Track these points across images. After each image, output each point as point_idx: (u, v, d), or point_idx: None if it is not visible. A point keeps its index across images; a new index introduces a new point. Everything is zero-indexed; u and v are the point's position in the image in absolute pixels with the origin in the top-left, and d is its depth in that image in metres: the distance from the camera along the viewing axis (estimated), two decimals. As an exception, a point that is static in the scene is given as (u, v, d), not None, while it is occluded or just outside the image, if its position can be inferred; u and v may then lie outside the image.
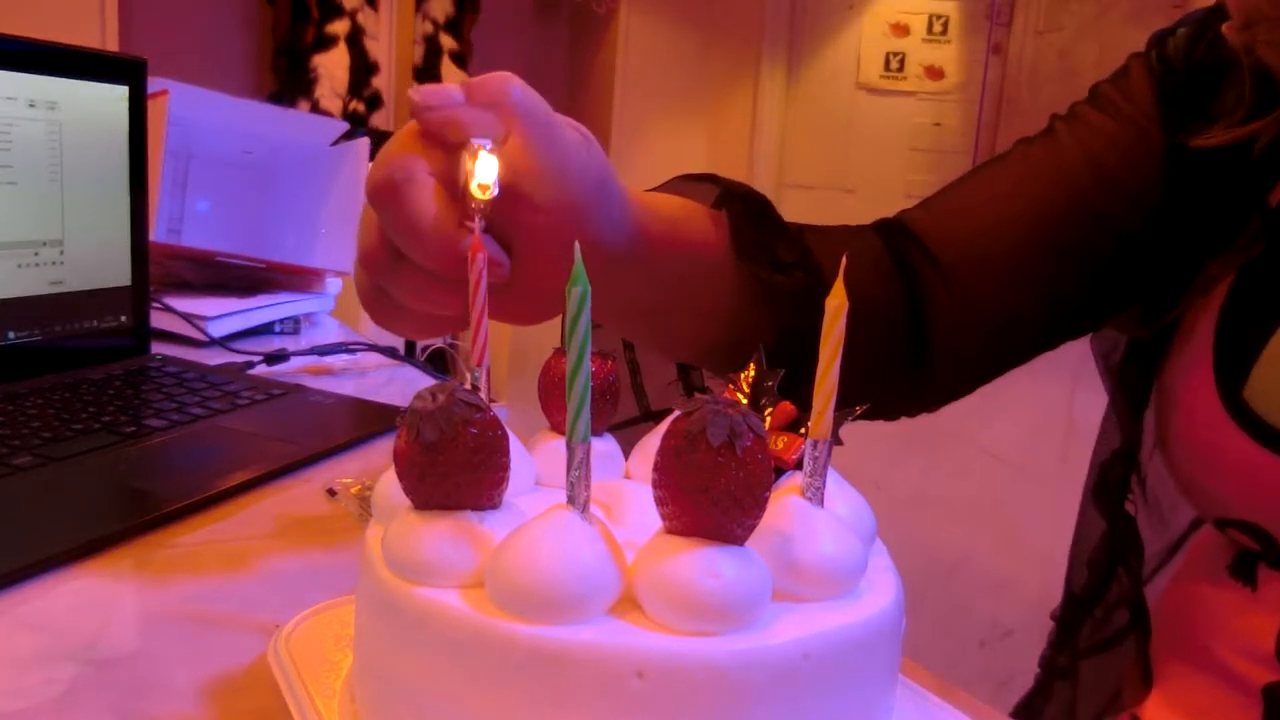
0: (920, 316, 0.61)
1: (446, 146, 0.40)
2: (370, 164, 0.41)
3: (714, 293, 0.55)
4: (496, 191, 0.39)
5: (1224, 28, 0.53)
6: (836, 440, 0.34)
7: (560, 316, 0.56)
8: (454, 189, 0.39)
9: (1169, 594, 0.64)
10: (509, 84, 0.40)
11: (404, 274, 0.41)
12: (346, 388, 0.91)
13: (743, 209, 0.55)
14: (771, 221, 0.56)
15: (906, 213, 0.64)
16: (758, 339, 0.56)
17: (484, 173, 0.39)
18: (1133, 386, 0.64)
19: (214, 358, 0.94)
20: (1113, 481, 0.66)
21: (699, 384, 0.63)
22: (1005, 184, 0.62)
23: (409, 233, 0.39)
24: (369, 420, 0.76)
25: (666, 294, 0.54)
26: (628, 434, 0.42)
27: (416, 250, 0.39)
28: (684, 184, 0.57)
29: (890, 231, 0.63)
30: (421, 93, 0.39)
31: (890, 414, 0.65)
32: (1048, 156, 0.61)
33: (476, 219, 0.39)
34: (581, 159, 0.42)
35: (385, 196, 0.39)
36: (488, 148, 0.39)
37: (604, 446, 0.40)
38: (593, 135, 0.44)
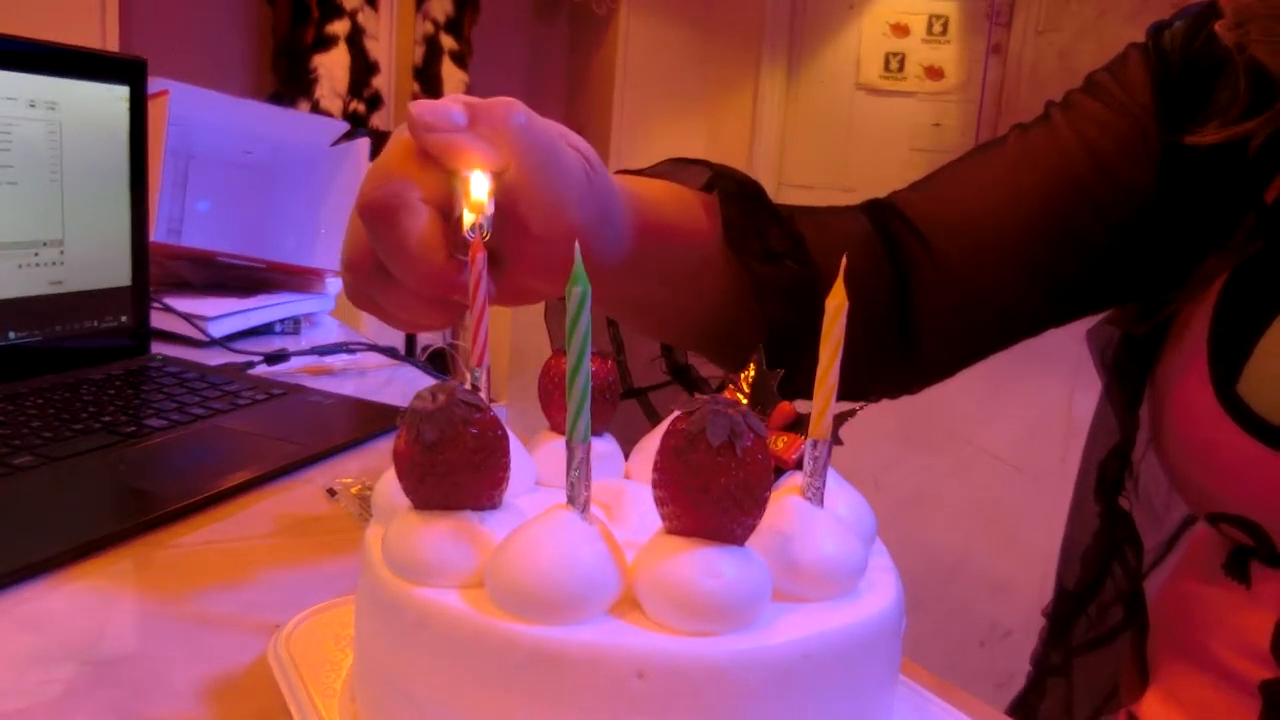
0: (906, 296, 0.61)
1: (444, 168, 0.39)
2: (365, 174, 0.40)
3: (707, 285, 0.55)
4: (490, 230, 0.38)
5: (1216, 26, 0.53)
6: (836, 440, 0.34)
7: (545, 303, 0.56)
8: (447, 215, 0.39)
9: (1165, 591, 0.64)
10: (512, 112, 0.39)
11: (389, 288, 0.41)
12: (346, 388, 0.91)
13: (735, 191, 0.55)
14: (764, 207, 0.56)
15: (899, 193, 0.65)
16: (750, 328, 0.56)
17: (478, 210, 0.38)
18: (1128, 382, 0.64)
19: (214, 358, 0.94)
20: (1110, 478, 0.67)
21: (682, 361, 0.63)
22: (999, 168, 0.62)
23: (397, 257, 0.38)
24: (369, 420, 0.76)
25: (659, 290, 0.54)
26: (625, 430, 0.42)
27: (403, 274, 0.39)
28: (675, 168, 0.57)
29: (879, 211, 0.64)
30: (421, 109, 0.38)
31: (873, 394, 0.65)
32: (1043, 143, 0.61)
33: (478, 234, 0.38)
34: (583, 190, 0.41)
35: (376, 218, 0.38)
36: (485, 185, 0.38)
37: (604, 446, 0.40)
38: (598, 158, 0.43)
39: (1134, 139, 0.59)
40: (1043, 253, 0.60)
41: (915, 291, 0.61)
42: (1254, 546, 0.54)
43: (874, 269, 0.61)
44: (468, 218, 0.38)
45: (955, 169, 0.64)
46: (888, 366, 0.63)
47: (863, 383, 0.63)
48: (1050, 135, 0.61)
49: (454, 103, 0.39)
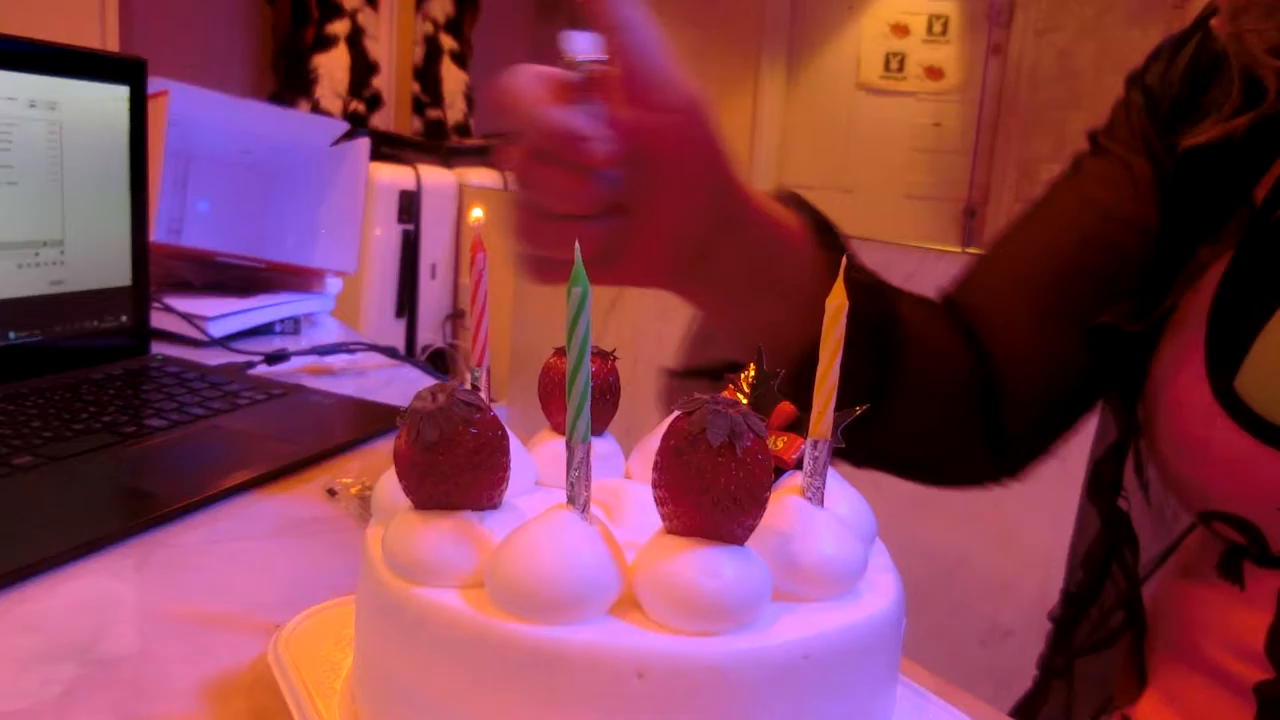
0: (990, 393, 0.64)
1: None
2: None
3: (797, 279, 0.56)
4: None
5: (1212, 22, 0.53)
6: (837, 440, 0.34)
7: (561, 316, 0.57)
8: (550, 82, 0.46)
9: (1160, 593, 0.64)
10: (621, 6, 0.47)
11: (543, 173, 0.45)
12: (346, 388, 0.91)
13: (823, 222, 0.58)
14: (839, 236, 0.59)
15: (949, 293, 0.67)
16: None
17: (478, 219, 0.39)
18: (1125, 381, 0.64)
19: (214, 358, 0.94)
20: (1106, 477, 0.66)
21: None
22: (1029, 246, 0.65)
23: (515, 109, 0.44)
24: (369, 420, 0.76)
25: (760, 265, 0.55)
26: (625, 431, 0.42)
27: (526, 124, 0.44)
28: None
29: (949, 311, 0.66)
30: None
31: (977, 481, 0.70)
32: (1059, 220, 0.64)
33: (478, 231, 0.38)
34: (686, 74, 0.47)
35: (509, 104, 0.44)
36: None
37: (604, 446, 0.40)
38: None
39: (1145, 186, 0.61)
40: (1074, 307, 0.62)
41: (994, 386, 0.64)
42: (1247, 546, 0.54)
43: (959, 364, 0.64)
44: (476, 212, 0.39)
45: (988, 258, 0.67)
46: (986, 455, 0.66)
47: (965, 473, 0.69)
48: (1061, 210, 0.64)
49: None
